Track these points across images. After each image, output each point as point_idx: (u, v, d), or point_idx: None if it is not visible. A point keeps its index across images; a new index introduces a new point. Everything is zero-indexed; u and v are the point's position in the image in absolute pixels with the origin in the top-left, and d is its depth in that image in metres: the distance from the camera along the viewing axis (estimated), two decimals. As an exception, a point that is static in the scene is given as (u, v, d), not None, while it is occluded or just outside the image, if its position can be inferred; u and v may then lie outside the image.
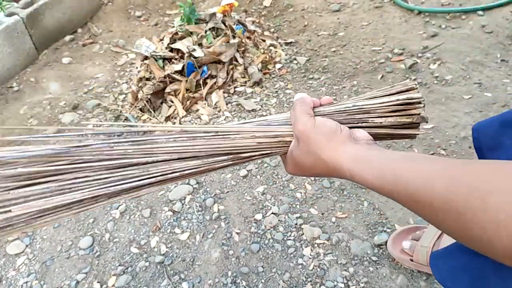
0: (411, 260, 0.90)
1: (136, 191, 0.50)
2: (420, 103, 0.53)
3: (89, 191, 0.47)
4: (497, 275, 0.45)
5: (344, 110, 0.54)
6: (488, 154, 0.57)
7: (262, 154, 0.54)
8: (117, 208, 1.21)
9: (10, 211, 0.44)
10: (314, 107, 0.55)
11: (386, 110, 0.53)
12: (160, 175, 0.50)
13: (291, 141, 0.53)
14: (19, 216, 0.45)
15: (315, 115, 0.52)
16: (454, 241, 0.82)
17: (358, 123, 0.54)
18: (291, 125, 0.53)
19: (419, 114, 0.53)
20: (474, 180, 0.33)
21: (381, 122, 0.53)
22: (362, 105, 0.54)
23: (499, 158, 0.53)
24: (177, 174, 0.50)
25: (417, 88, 0.53)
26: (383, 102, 0.53)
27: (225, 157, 0.52)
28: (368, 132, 0.51)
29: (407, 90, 0.53)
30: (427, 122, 0.55)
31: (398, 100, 0.52)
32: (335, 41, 1.81)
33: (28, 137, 0.52)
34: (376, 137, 0.53)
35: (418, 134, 0.56)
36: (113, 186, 0.48)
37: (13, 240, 1.16)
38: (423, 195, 0.36)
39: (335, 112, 0.54)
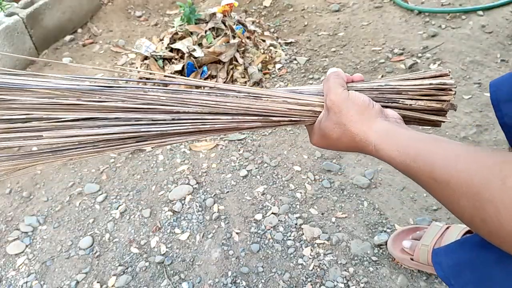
0: (412, 259, 0.90)
1: (164, 138, 0.50)
2: (451, 90, 0.53)
3: (118, 130, 0.47)
4: (501, 269, 0.45)
5: (376, 88, 0.54)
6: (504, 106, 0.59)
7: (291, 121, 0.54)
8: (117, 208, 1.21)
9: (42, 136, 0.46)
10: (347, 82, 0.55)
11: (417, 93, 0.53)
12: (191, 125, 0.50)
13: (320, 112, 0.53)
14: (48, 145, 0.46)
15: (348, 89, 0.52)
16: (456, 239, 0.82)
17: (388, 102, 0.54)
18: (322, 96, 0.54)
19: (449, 101, 0.53)
20: (497, 163, 0.34)
21: (411, 104, 0.53)
22: (395, 85, 0.54)
23: None
24: (207, 126, 0.50)
25: (449, 75, 0.53)
26: (416, 85, 0.53)
27: (255, 117, 0.52)
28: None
29: (440, 76, 0.53)
30: (455, 110, 0.55)
31: (431, 84, 0.52)
32: (335, 41, 1.81)
33: (65, 76, 0.51)
34: (404, 120, 0.53)
35: (444, 121, 0.55)
36: (142, 129, 0.48)
37: (13, 240, 1.16)
38: (443, 173, 0.37)
39: (367, 89, 0.54)
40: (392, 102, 0.54)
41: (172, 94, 0.50)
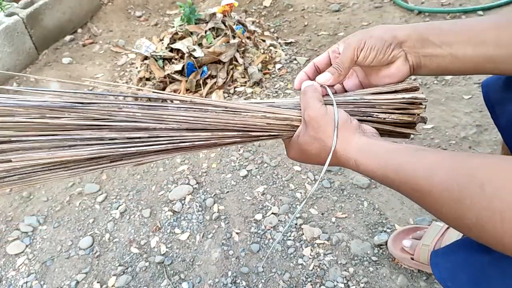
0: (412, 259, 0.90)
1: (141, 157, 0.48)
2: (422, 104, 0.54)
3: (91, 150, 0.45)
4: (498, 271, 0.45)
5: (352, 102, 0.55)
6: (497, 108, 0.59)
7: (270, 135, 0.54)
8: (117, 208, 1.21)
9: (10, 160, 0.43)
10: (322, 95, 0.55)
11: (390, 107, 0.54)
12: (169, 143, 0.49)
13: (298, 126, 0.54)
14: (19, 169, 0.44)
15: (325, 104, 0.52)
16: (457, 239, 0.82)
17: (363, 116, 0.55)
18: (300, 110, 0.54)
19: (419, 114, 0.55)
20: (474, 169, 0.35)
21: (384, 118, 0.54)
22: (369, 99, 0.55)
23: (509, 111, 0.56)
24: (186, 144, 0.49)
25: (419, 88, 0.54)
26: (389, 99, 0.54)
27: (235, 133, 0.52)
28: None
29: (411, 89, 0.54)
30: (425, 123, 0.56)
31: (403, 98, 0.54)
32: (335, 41, 1.81)
33: (30, 89, 0.50)
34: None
35: (414, 134, 0.57)
36: (117, 148, 0.46)
37: (13, 240, 1.16)
38: (424, 184, 0.38)
39: (343, 103, 0.55)
40: (367, 116, 0.55)
41: (148, 110, 0.49)
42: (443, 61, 0.50)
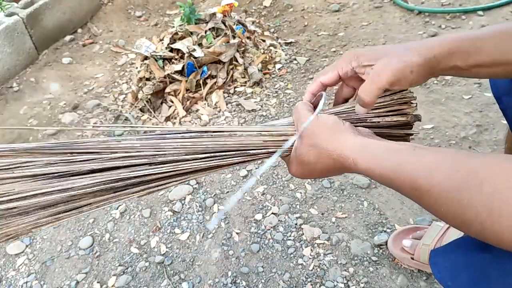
0: (412, 258, 0.90)
1: (143, 185, 0.49)
2: (412, 102, 0.55)
3: (93, 182, 0.46)
4: (499, 269, 0.45)
5: (343, 111, 0.56)
6: (505, 99, 0.60)
7: (268, 152, 0.54)
8: (117, 208, 1.21)
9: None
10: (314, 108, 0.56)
11: (382, 110, 0.55)
12: (170, 169, 0.49)
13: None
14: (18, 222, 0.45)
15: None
16: (456, 238, 0.82)
17: (357, 122, 0.55)
18: (294, 125, 0.55)
19: (412, 113, 0.55)
20: (474, 168, 0.35)
21: (379, 122, 0.55)
22: None
23: None
24: (188, 167, 0.50)
25: (407, 88, 0.55)
26: (379, 102, 0.55)
27: (233, 153, 0.53)
28: None
29: (400, 91, 0.55)
30: (420, 120, 0.56)
31: (392, 99, 0.54)
32: (335, 41, 1.81)
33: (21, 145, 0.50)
34: None
35: (413, 134, 0.57)
36: (120, 176, 0.47)
37: (13, 240, 1.16)
38: (423, 183, 0.38)
39: (335, 113, 0.56)
40: (361, 122, 0.55)
41: (146, 140, 0.50)
42: (469, 75, 0.51)
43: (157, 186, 0.50)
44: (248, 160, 0.54)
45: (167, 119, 1.55)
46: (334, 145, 0.47)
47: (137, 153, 0.49)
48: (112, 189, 0.48)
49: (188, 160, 0.50)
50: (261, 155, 0.54)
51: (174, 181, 0.51)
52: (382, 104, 0.55)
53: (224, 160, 0.52)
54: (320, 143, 0.48)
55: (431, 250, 0.62)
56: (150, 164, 0.49)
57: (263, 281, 0.97)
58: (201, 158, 0.51)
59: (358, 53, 0.52)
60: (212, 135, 0.53)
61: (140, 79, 1.65)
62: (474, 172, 0.34)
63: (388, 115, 0.55)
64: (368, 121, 0.55)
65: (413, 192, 0.39)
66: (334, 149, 0.47)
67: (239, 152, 0.53)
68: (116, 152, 0.48)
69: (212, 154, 0.51)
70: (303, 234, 1.05)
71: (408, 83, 0.49)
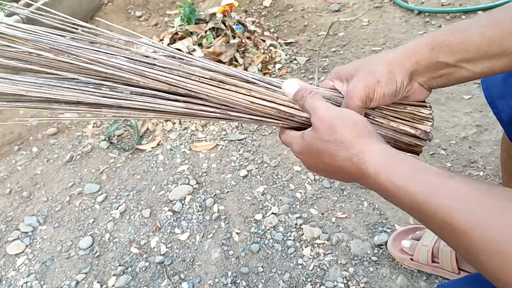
0: (411, 259, 0.90)
1: (121, 110, 0.49)
2: (429, 120, 0.50)
3: (72, 93, 0.49)
4: None
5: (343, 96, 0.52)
6: (499, 103, 0.58)
7: (252, 119, 0.51)
8: (117, 208, 1.21)
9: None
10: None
11: (391, 113, 0.51)
12: (147, 102, 0.49)
13: (293, 115, 0.49)
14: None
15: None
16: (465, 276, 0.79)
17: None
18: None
19: (423, 130, 0.51)
20: (502, 229, 0.31)
21: (382, 123, 0.51)
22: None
23: (510, 105, 0.55)
24: (162, 107, 0.49)
25: (428, 105, 0.51)
26: (391, 104, 0.51)
27: (216, 109, 0.50)
28: None
29: (419, 104, 0.51)
30: (430, 141, 0.52)
31: (405, 107, 0.50)
32: (335, 41, 1.81)
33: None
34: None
35: (422, 146, 0.52)
36: (98, 93, 0.48)
37: (13, 240, 1.16)
38: (463, 221, 0.33)
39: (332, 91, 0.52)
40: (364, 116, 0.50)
41: (134, 64, 0.48)
42: (463, 74, 0.45)
43: (133, 114, 0.50)
44: (230, 119, 0.51)
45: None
46: (357, 149, 0.41)
47: (121, 75, 0.49)
48: (89, 104, 0.49)
49: (166, 100, 0.49)
50: (267, 120, 0.51)
51: (150, 115, 0.50)
52: (391, 109, 0.51)
53: (202, 112, 0.49)
54: (342, 141, 0.42)
55: (437, 285, 0.59)
56: (131, 93, 0.50)
57: (263, 281, 0.97)
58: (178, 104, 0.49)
59: (338, 71, 0.50)
60: (203, 75, 0.49)
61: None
62: (497, 233, 0.30)
63: (395, 121, 0.51)
64: (371, 117, 0.50)
65: (447, 227, 0.33)
66: (356, 153, 0.41)
67: (222, 109, 0.50)
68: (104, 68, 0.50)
69: (190, 100, 0.49)
70: (303, 234, 1.05)
71: (385, 93, 0.45)
